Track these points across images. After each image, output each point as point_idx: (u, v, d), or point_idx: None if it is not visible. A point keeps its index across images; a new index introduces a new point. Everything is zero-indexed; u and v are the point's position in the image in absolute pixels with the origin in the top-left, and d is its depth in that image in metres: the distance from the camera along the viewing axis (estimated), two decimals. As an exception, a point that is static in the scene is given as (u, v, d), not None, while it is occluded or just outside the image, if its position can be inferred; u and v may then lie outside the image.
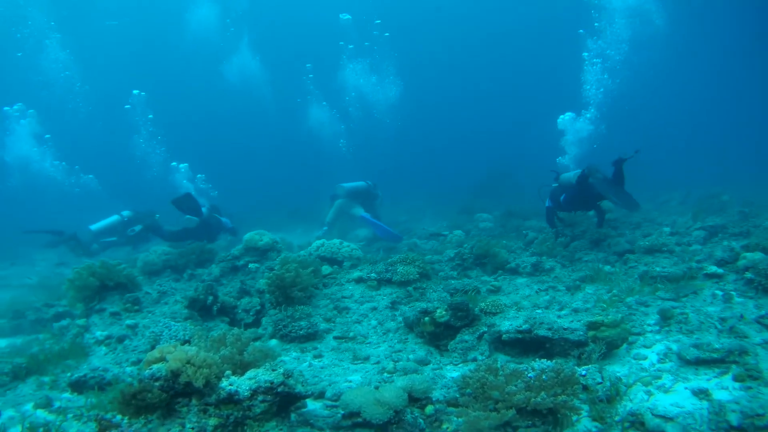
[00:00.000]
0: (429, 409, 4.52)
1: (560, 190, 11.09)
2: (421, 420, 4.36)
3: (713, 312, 6.29)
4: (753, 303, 6.44)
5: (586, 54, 16.80)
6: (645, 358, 5.40)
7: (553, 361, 4.88)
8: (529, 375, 4.36)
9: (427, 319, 6.20)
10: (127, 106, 21.77)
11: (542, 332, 5.45)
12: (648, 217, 13.56)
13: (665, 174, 10.47)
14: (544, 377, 4.28)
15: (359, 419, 4.32)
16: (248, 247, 9.94)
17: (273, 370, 4.36)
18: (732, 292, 6.80)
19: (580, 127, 14.50)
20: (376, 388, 5.08)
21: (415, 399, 4.54)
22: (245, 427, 4.09)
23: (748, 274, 6.92)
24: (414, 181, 27.99)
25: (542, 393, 4.08)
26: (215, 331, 7.08)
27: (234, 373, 4.29)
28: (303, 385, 4.43)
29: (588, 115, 14.78)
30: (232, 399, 4.05)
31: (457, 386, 4.75)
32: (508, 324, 5.81)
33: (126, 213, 14.70)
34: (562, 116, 14.61)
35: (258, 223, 20.32)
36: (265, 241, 9.94)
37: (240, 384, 4.12)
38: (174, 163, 18.13)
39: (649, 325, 6.21)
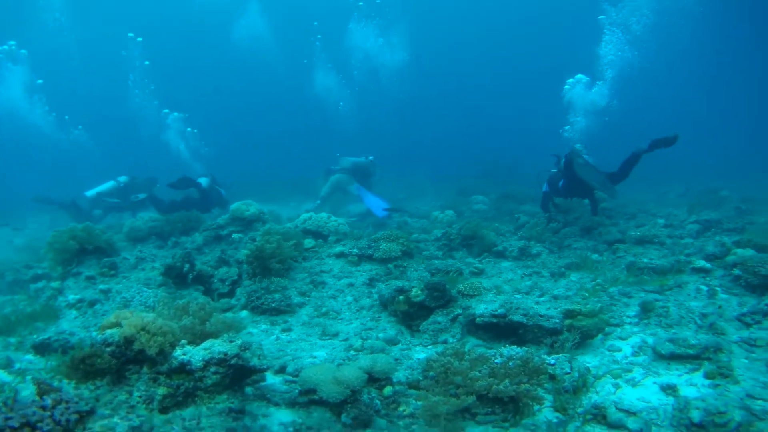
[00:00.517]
0: (387, 390, 4.41)
1: (560, 175, 10.91)
2: (377, 401, 4.24)
3: (695, 307, 6.15)
4: (737, 300, 6.29)
5: (603, 17, 16.22)
6: (619, 350, 5.27)
7: (525, 348, 4.78)
8: (495, 361, 4.24)
9: (401, 297, 6.08)
10: (123, 53, 21.29)
11: (517, 318, 5.32)
12: (644, 208, 13.36)
13: (669, 164, 10.21)
14: (510, 364, 4.17)
15: (315, 396, 4.22)
16: (234, 217, 9.80)
17: (230, 342, 4.24)
18: (717, 288, 6.66)
19: (587, 94, 14.19)
20: (339, 365, 5.00)
21: (375, 379, 4.42)
22: (196, 398, 3.98)
23: (736, 271, 6.76)
24: (419, 157, 27.64)
25: (506, 381, 3.96)
26: (187, 299, 7.02)
27: (194, 343, 4.17)
28: (260, 359, 4.30)
29: (599, 85, 14.39)
30: (183, 369, 3.93)
31: (421, 368, 4.63)
32: (483, 307, 5.67)
33: (122, 179, 14.52)
34: (570, 79, 14.29)
35: (253, 194, 20.25)
36: (252, 211, 9.79)
37: (194, 354, 3.99)
38: (166, 111, 17.78)
39: (628, 316, 6.08)
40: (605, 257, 8.49)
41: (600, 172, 9.89)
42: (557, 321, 5.25)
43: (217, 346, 4.08)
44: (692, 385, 4.44)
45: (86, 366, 3.85)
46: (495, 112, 45.44)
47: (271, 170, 27.36)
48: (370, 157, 15.78)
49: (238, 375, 4.17)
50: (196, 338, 4.35)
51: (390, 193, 17.84)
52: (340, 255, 8.09)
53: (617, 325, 5.86)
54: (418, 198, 18.58)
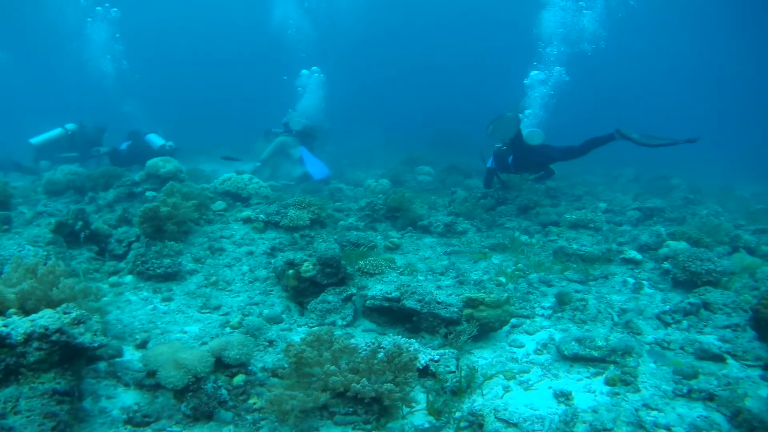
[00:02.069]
0: (238, 379, 3.78)
1: (508, 151, 10.34)
2: (224, 391, 3.62)
3: (617, 301, 5.65)
4: (661, 296, 5.81)
5: None
6: (522, 345, 4.71)
7: (405, 339, 4.20)
8: (360, 354, 3.63)
9: (291, 272, 5.41)
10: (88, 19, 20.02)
11: (410, 303, 4.71)
12: (593, 190, 12.91)
13: (624, 147, 9.79)
14: (376, 359, 3.55)
15: (154, 381, 3.59)
16: (150, 174, 9.02)
17: (64, 314, 3.57)
18: (644, 282, 6.18)
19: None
20: (203, 344, 4.38)
21: (227, 365, 3.78)
22: (19, 377, 3.32)
23: (666, 264, 6.28)
24: (374, 123, 26.70)
25: (363, 379, 3.35)
26: (77, 260, 6.32)
27: (36, 311, 3.51)
28: (94, 335, 3.62)
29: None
30: (4, 342, 3.24)
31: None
32: (378, 289, 5.05)
33: (70, 126, 13.50)
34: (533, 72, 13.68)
35: (199, 154, 19.34)
36: (168, 168, 9.01)
37: (17, 326, 3.31)
38: None
39: (542, 308, 5.53)
40: (535, 240, 7.94)
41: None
42: (455, 310, 4.65)
43: (43, 319, 3.40)
44: (590, 392, 3.90)
45: None
46: (454, 78, 44.68)
47: (229, 129, 26.25)
48: (314, 122, 15.01)
49: (71, 352, 3.50)
50: (41, 305, 3.71)
51: (335, 159, 17.16)
52: (246, 220, 7.38)
53: (528, 317, 5.31)
54: (363, 165, 17.88)
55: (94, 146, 13.35)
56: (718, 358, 4.33)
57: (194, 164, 17.14)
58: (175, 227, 6.58)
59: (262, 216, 7.23)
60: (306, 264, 5.33)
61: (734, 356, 4.38)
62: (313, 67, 17.63)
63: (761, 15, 30.30)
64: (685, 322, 5.11)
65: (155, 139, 12.82)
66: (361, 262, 5.75)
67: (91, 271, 6.20)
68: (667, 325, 5.11)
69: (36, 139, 13.06)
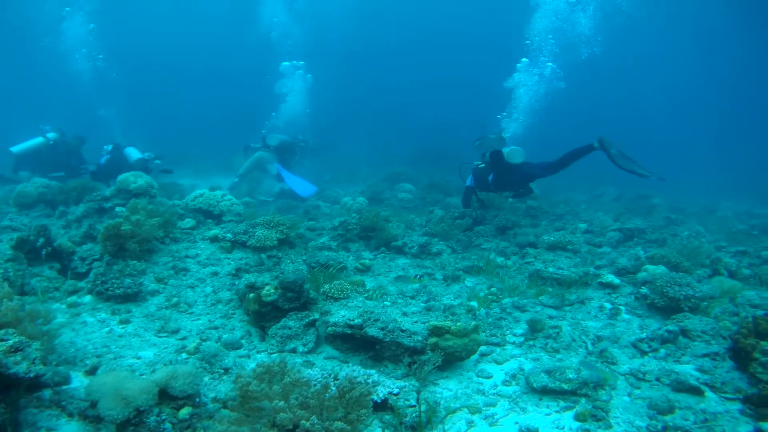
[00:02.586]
0: (184, 411, 3.52)
1: (487, 169, 10.15)
2: (168, 425, 3.37)
3: (592, 328, 5.43)
4: (638, 322, 5.60)
5: None
6: (490, 376, 4.47)
7: (382, 365, 3.98)
8: (312, 389, 3.37)
9: (252, 295, 5.15)
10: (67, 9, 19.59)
11: (373, 331, 4.46)
12: (574, 209, 12.74)
13: (607, 165, 9.64)
14: (327, 394, 3.30)
15: (97, 412, 3.34)
16: (120, 189, 8.73)
17: (1, 340, 3.35)
18: (621, 307, 5.97)
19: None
20: (153, 371, 4.12)
21: (173, 397, 3.53)
22: None
23: (644, 289, 6.06)
24: (356, 133, 26.48)
25: (314, 416, 3.10)
26: (38, 277, 6.04)
27: None
28: (32, 365, 3.39)
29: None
30: None
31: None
32: (341, 315, 4.82)
33: (51, 135, 13.14)
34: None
35: (181, 166, 19.02)
36: (139, 183, 8.70)
37: None
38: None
39: (514, 335, 5.29)
40: (511, 262, 7.73)
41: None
42: (420, 339, 4.41)
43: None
44: (559, 428, 3.67)
45: None
46: (440, 91, 44.68)
47: (211, 141, 25.95)
48: (294, 137, 14.84)
49: (4, 382, 3.25)
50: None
51: (318, 175, 16.98)
52: (214, 239, 7.11)
53: (498, 345, 5.07)
54: (345, 182, 17.67)
55: (74, 156, 13.05)
56: (695, 391, 4.11)
57: (172, 177, 16.90)
58: (137, 246, 6.31)
59: (229, 235, 6.97)
60: (267, 288, 5.08)
61: (712, 388, 4.17)
62: (298, 62, 17.37)
63: (746, 37, 30.60)
64: (662, 351, 4.90)
65: (133, 153, 12.55)
66: (326, 286, 5.50)
67: (51, 289, 5.93)
68: (643, 353, 4.90)
69: (17, 148, 12.67)
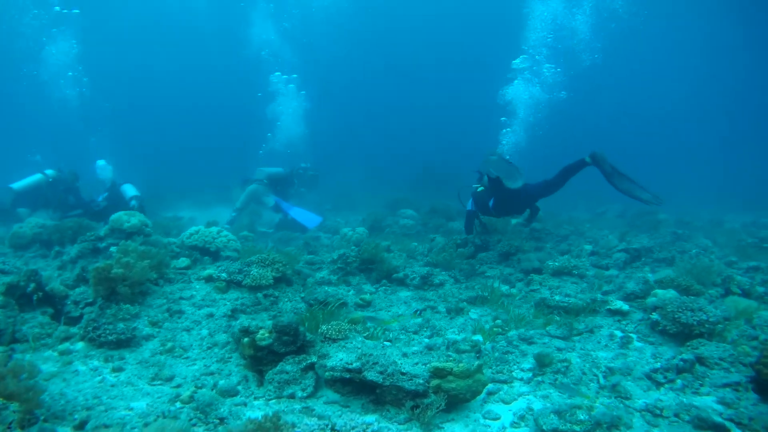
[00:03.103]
0: (169, 477, 3.29)
1: (488, 193, 9.95)
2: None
3: (603, 359, 5.19)
4: (651, 351, 5.36)
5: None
6: (497, 418, 4.23)
7: (383, 410, 3.78)
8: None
9: (246, 340, 4.94)
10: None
11: (372, 376, 4.24)
12: (579, 229, 12.55)
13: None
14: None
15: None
16: (114, 228, 8.58)
17: None
18: (632, 335, 5.73)
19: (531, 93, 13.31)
20: (146, 425, 3.91)
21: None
22: None
23: (655, 315, 5.82)
24: (358, 164, 26.38)
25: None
26: (30, 323, 5.84)
27: None
28: (11, 428, 3.21)
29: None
30: None
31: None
32: (339, 358, 4.59)
33: (50, 172, 13.07)
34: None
35: (182, 198, 18.90)
36: (133, 222, 8.56)
37: None
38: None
39: (522, 370, 5.05)
40: (517, 289, 7.51)
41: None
42: (421, 381, 4.19)
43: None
44: (573, 478, 3.42)
45: None
46: (440, 114, 44.66)
47: (210, 172, 25.88)
48: (287, 168, 14.75)
49: None
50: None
51: (318, 204, 16.86)
52: (209, 279, 6.91)
53: (505, 382, 4.83)
54: (346, 209, 17.52)
55: (72, 194, 12.97)
56: (720, 429, 3.84)
57: (174, 210, 16.79)
58: (128, 289, 6.12)
59: (224, 275, 6.77)
60: (261, 332, 4.86)
61: (738, 424, 3.90)
62: (290, 75, 17.21)
63: (749, 43, 30.53)
64: (679, 381, 4.66)
65: (129, 191, 12.47)
66: (324, 327, 5.27)
67: (44, 336, 5.72)
68: (659, 385, 4.65)
69: (17, 185, 12.59)
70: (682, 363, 4.78)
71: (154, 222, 10.82)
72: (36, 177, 12.84)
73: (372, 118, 44.35)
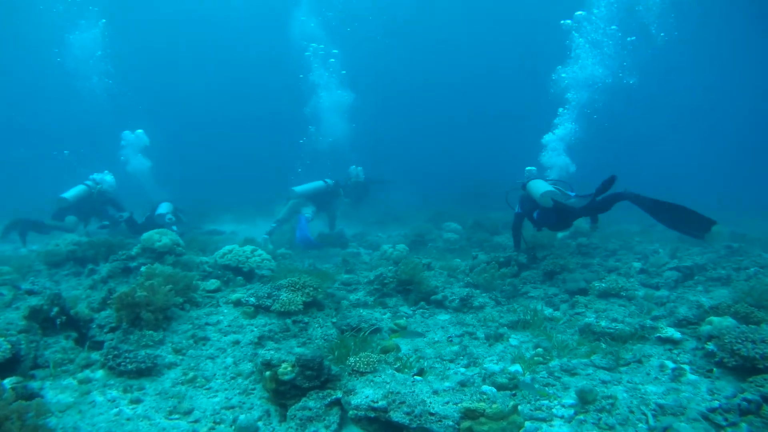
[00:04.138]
0: None
1: (531, 202, 9.64)
2: None
3: (652, 394, 4.77)
4: (707, 385, 4.90)
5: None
6: (536, 464, 3.89)
7: None
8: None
9: (268, 374, 4.71)
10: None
11: (398, 417, 3.95)
12: (628, 242, 12.01)
13: (659, 190, 9.03)
14: None
15: None
16: (145, 248, 8.52)
17: None
18: (685, 366, 5.28)
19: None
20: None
21: None
22: None
23: (711, 345, 5.35)
24: (405, 171, 26.11)
25: None
26: (53, 348, 5.75)
27: None
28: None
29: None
30: None
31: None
32: (364, 395, 4.32)
33: (96, 176, 13.43)
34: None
35: (225, 212, 18.95)
36: (164, 242, 8.49)
37: None
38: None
39: (563, 406, 4.67)
40: (561, 312, 7.11)
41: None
42: (451, 424, 3.88)
43: None
44: None
45: None
46: (487, 127, 44.09)
47: (254, 185, 26.03)
48: (329, 181, 14.58)
49: None
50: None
51: (362, 217, 16.70)
52: (237, 303, 6.73)
53: (544, 420, 4.46)
54: (392, 222, 17.28)
55: (113, 204, 13.21)
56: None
57: (217, 224, 16.83)
58: (151, 315, 5.97)
59: (252, 299, 6.58)
60: (284, 365, 4.62)
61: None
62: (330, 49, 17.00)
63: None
64: (743, 426, 4.18)
65: (163, 209, 12.55)
66: (352, 359, 5.00)
67: (66, 362, 5.60)
68: (719, 428, 4.21)
69: (68, 194, 12.82)
70: (745, 404, 4.33)
71: (190, 238, 10.82)
72: (81, 187, 13.08)
73: (419, 131, 44.16)
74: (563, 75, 14.30)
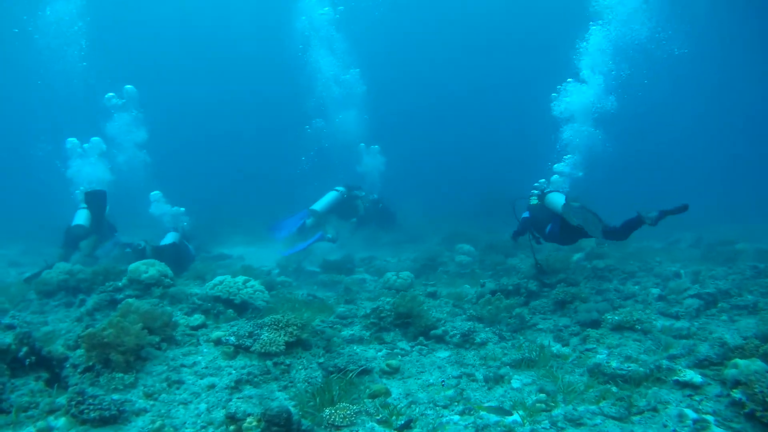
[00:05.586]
0: None
1: (546, 214, 9.19)
2: None
3: (670, 452, 4.20)
4: (735, 443, 4.31)
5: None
6: None
7: None
8: None
9: (232, 428, 4.23)
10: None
11: (369, 488, 3.44)
12: (648, 263, 11.36)
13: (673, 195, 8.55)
14: None
15: None
16: (132, 279, 8.15)
17: None
18: (709, 417, 4.66)
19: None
20: None
21: None
22: None
23: (737, 393, 4.72)
24: (416, 196, 25.60)
25: None
26: (20, 390, 5.31)
27: None
28: None
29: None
30: None
31: None
32: (336, 458, 3.81)
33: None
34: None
35: (232, 234, 18.56)
36: (151, 273, 8.13)
37: None
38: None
39: (565, 466, 4.13)
40: (570, 348, 6.54)
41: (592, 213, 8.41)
42: (430, 498, 3.36)
43: None
44: None
45: None
46: (503, 141, 43.50)
47: (264, 201, 25.58)
48: (342, 188, 14.36)
49: None
50: None
51: (373, 235, 16.28)
52: (218, 342, 6.28)
53: (546, 485, 3.93)
54: (404, 244, 16.80)
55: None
56: None
57: (227, 246, 16.43)
58: (121, 357, 5.54)
59: (232, 339, 6.10)
60: (249, 419, 4.15)
61: None
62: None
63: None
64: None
65: (168, 240, 12.11)
66: (327, 411, 4.50)
67: (31, 406, 5.15)
68: (748, 499, 3.63)
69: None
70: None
71: (192, 267, 10.46)
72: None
73: (434, 149, 43.75)
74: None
